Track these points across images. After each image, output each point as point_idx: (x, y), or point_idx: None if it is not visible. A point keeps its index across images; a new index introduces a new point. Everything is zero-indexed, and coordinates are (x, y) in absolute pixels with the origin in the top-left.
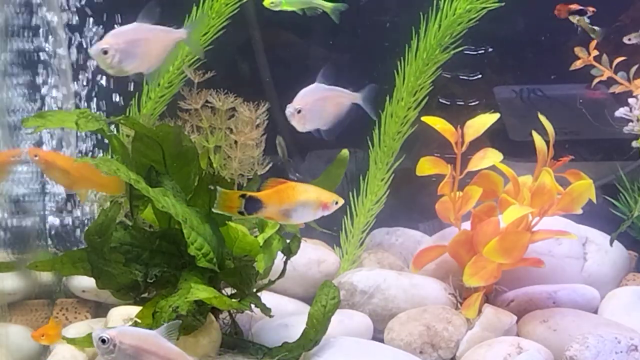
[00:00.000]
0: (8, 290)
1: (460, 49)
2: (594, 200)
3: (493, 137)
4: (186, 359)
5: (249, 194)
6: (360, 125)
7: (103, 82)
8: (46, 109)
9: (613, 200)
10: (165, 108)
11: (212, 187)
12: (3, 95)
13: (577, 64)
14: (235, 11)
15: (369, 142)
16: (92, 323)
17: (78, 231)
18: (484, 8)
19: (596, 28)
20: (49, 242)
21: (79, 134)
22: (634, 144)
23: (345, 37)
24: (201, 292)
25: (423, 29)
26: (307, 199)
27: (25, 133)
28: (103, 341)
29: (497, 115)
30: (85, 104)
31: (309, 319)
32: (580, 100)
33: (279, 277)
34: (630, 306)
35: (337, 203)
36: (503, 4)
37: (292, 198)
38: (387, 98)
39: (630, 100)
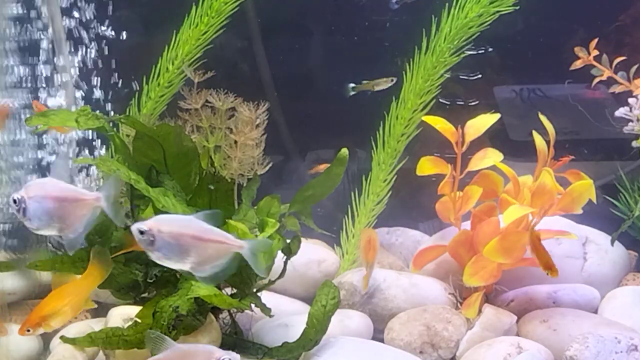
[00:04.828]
0: (8, 290)
1: (468, 53)
2: (594, 200)
3: (493, 137)
4: (228, 239)
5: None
6: (361, 124)
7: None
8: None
9: (613, 200)
10: (165, 108)
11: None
12: None
13: (577, 64)
14: (235, 10)
15: (372, 143)
16: (92, 323)
17: None
18: (497, 12)
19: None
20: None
21: None
22: (634, 144)
23: (346, 37)
24: (201, 289)
25: (433, 31)
26: (376, 244)
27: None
28: (141, 232)
29: (497, 116)
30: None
31: (309, 318)
32: (572, 101)
33: (279, 277)
34: (630, 306)
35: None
36: (517, 7)
37: (375, 250)
38: (390, 99)
39: (630, 100)
